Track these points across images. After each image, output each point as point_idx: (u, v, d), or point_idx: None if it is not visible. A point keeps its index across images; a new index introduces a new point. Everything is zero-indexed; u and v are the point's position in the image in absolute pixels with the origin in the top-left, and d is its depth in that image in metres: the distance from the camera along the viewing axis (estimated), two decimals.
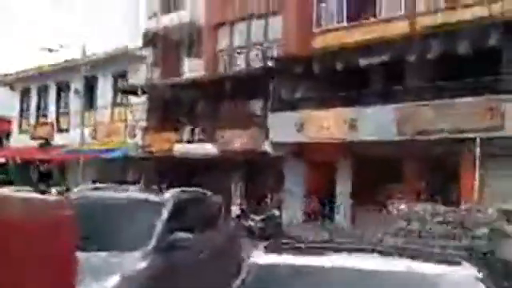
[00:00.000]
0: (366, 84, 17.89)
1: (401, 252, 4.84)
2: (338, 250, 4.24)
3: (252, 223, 16.52)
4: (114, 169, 25.13)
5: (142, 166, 24.62)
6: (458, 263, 3.81)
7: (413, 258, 4.08)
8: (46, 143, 29.63)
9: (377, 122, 16.39)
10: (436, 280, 3.48)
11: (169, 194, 7.10)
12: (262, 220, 16.80)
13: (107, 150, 25.25)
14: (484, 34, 14.84)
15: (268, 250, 4.17)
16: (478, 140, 14.74)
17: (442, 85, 15.89)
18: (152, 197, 7.30)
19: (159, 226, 6.32)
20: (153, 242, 6.07)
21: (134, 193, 8.50)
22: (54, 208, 3.80)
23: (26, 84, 32.76)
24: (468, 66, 15.18)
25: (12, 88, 34.54)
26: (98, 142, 26.74)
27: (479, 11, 15.85)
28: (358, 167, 18.24)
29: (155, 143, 23.53)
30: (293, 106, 19.35)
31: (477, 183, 15.13)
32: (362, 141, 16.79)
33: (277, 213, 17.24)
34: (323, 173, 19.20)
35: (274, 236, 16.03)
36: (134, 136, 25.16)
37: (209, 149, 20.76)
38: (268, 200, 19.58)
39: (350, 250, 4.31)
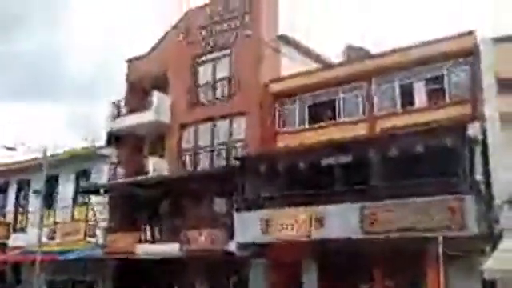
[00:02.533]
0: (330, 183, 18.10)
1: None
2: None
3: None
4: (73, 269, 24.15)
5: (102, 266, 23.75)
6: None
7: None
8: (2, 243, 28.55)
9: (342, 220, 16.45)
10: None
11: None
12: None
13: (65, 251, 24.35)
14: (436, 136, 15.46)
15: None
16: (440, 239, 14.87)
17: (404, 184, 16.22)
18: None
19: None
20: None
21: None
22: None
23: None
24: (428, 166, 15.64)
25: None
26: (56, 242, 25.85)
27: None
28: (325, 267, 18.02)
29: (116, 243, 22.87)
30: (258, 205, 19.31)
31: (442, 283, 15.07)
32: (327, 239, 16.72)
33: None
34: (289, 274, 18.84)
35: None
36: (95, 236, 24.47)
37: (172, 249, 20.27)
38: None
39: None
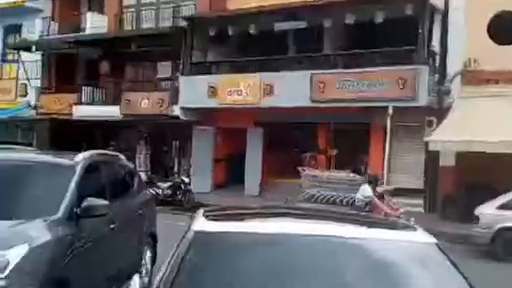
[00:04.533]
0: (282, 50, 17.42)
1: (347, 217, 4.46)
2: (283, 216, 4.06)
3: (159, 191, 15.56)
4: (5, 130, 22.97)
5: (34, 128, 22.66)
6: (414, 229, 3.55)
7: (361, 223, 3.85)
8: None
9: (292, 88, 16.01)
10: (395, 245, 3.23)
11: (79, 156, 6.11)
12: (169, 187, 15.90)
13: None
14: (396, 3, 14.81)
15: (209, 217, 3.62)
16: (390, 109, 14.83)
17: (357, 52, 15.79)
18: (59, 159, 6.27)
19: (70, 192, 5.36)
20: (62, 210, 5.13)
21: (34, 154, 7.42)
22: None
23: None
24: (385, 36, 15.17)
25: None
26: None
27: None
28: (271, 135, 17.89)
29: (51, 104, 21.70)
30: (205, 69, 18.53)
31: (387, 153, 15.29)
32: (275, 107, 16.38)
33: (186, 180, 16.38)
34: (234, 141, 18.67)
35: (186, 204, 15.33)
36: (26, 95, 23.08)
37: (112, 111, 19.39)
38: (175, 167, 18.70)
39: (296, 216, 4.10)
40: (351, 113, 15.56)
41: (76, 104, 20.79)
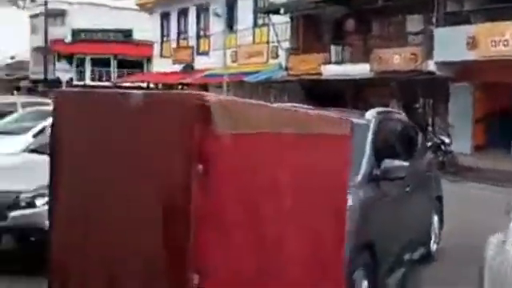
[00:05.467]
0: None
1: None
2: None
3: None
4: (257, 92, 24.40)
5: (286, 89, 23.59)
6: None
7: None
8: (189, 66, 29.59)
9: None
10: None
11: (369, 114, 5.76)
12: (429, 147, 14.93)
13: (250, 73, 24.47)
14: None
15: None
16: None
17: None
18: (350, 117, 6.01)
19: (367, 153, 5.07)
20: (362, 172, 4.85)
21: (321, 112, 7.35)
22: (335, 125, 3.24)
23: (166, 8, 32.69)
24: None
25: (151, 12, 34.84)
26: (239, 64, 26.08)
27: None
28: None
29: (300, 65, 22.23)
30: (462, 19, 16.91)
31: None
32: None
33: (446, 140, 15.21)
34: (497, 96, 16.84)
35: (448, 166, 14.31)
36: (277, 57, 24.08)
37: (362, 69, 19.02)
38: (430, 127, 17.60)
39: None
40: None
41: (324, 64, 20.92)
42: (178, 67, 30.30)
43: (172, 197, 2.27)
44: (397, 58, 18.09)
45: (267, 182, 2.56)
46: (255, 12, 26.21)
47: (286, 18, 23.76)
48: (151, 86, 34.05)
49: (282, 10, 23.28)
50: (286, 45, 23.68)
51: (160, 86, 32.57)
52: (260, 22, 26.15)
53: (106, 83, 40.34)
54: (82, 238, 2.62)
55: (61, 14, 43.30)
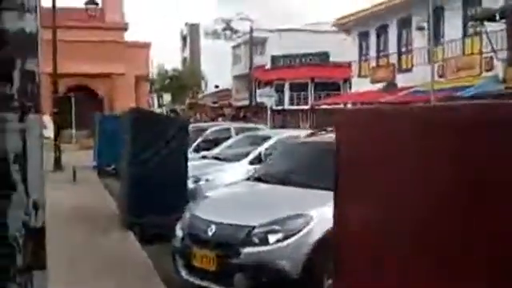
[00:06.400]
0: None
1: None
2: None
3: None
4: None
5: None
6: None
7: None
8: (392, 84, 28.32)
9: None
10: None
11: None
12: None
13: (459, 88, 22.36)
14: None
15: None
16: None
17: None
18: None
19: None
20: None
21: None
22: None
23: (364, 27, 31.92)
24: None
25: (349, 33, 34.38)
26: (447, 80, 24.08)
27: None
28: None
29: None
30: None
31: None
32: None
33: None
34: None
35: None
36: (492, 69, 21.65)
37: None
38: None
39: None
40: None
41: None
42: (377, 86, 29.25)
43: None
44: None
45: None
46: (465, 20, 24.07)
47: (501, 25, 21.27)
48: (349, 106, 33.43)
49: (497, 16, 20.93)
50: (503, 55, 21.16)
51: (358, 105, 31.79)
52: (471, 31, 23.93)
53: (304, 107, 40.86)
54: None
55: (262, 42, 45.22)
